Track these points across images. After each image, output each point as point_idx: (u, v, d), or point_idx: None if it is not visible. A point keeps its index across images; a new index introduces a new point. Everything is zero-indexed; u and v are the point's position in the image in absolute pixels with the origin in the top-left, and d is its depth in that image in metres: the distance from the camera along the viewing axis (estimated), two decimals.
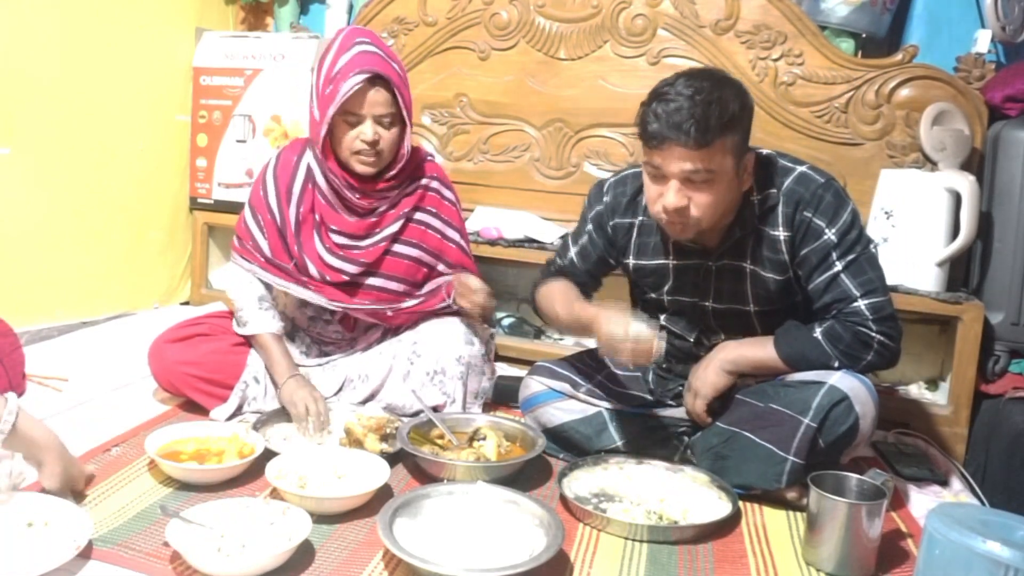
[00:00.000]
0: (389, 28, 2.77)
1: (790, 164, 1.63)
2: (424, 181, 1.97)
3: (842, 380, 1.55)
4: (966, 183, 2.14)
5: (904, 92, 2.34)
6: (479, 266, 2.10)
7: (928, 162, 2.29)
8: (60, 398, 1.94)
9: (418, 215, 1.96)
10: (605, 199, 1.78)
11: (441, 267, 2.00)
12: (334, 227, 1.91)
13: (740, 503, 1.59)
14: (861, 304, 1.56)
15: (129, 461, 1.63)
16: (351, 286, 1.93)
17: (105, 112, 2.54)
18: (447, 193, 2.01)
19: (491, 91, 2.69)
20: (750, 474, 1.61)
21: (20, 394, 1.90)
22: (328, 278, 1.91)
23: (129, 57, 2.60)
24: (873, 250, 1.62)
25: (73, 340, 2.41)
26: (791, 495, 1.61)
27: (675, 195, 1.50)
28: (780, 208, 1.59)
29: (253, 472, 1.56)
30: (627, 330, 1.51)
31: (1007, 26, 2.29)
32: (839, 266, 1.57)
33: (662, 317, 1.79)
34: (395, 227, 1.92)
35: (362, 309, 1.94)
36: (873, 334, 1.56)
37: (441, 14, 2.72)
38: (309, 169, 1.91)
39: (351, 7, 2.96)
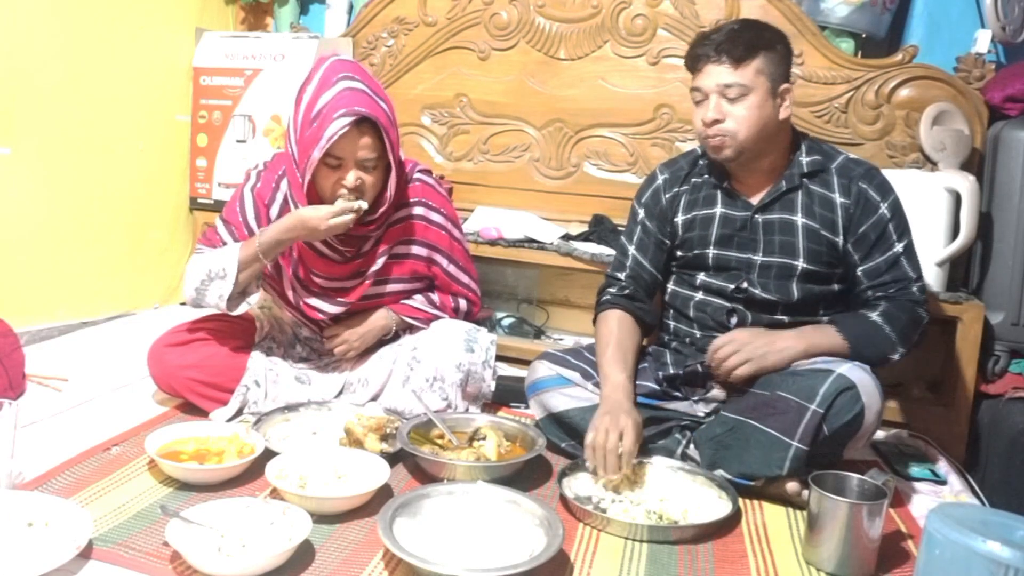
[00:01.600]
0: (389, 28, 2.77)
1: (841, 151, 1.81)
2: (406, 211, 1.91)
3: (851, 371, 1.56)
4: (966, 183, 2.14)
5: (904, 92, 2.35)
6: (479, 267, 2.10)
7: (928, 162, 2.29)
8: (60, 398, 1.93)
9: (402, 248, 1.93)
10: (663, 176, 1.90)
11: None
12: (315, 271, 1.88)
13: (740, 502, 1.59)
14: (915, 287, 1.71)
15: (129, 460, 1.63)
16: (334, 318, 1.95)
17: (105, 112, 2.54)
18: (434, 217, 1.95)
19: (491, 91, 2.70)
20: (752, 462, 1.60)
21: (20, 394, 1.90)
22: (303, 308, 1.91)
23: (129, 57, 2.60)
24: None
25: (73, 340, 2.41)
26: (791, 486, 1.60)
27: (713, 109, 1.68)
28: (835, 179, 1.74)
29: (253, 472, 1.56)
30: (610, 441, 1.55)
31: (1007, 26, 2.29)
32: (899, 248, 1.71)
33: (701, 275, 1.82)
34: (377, 265, 1.89)
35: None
36: (923, 315, 1.71)
37: (441, 14, 2.72)
38: (287, 199, 1.86)
39: (351, 7, 2.96)
